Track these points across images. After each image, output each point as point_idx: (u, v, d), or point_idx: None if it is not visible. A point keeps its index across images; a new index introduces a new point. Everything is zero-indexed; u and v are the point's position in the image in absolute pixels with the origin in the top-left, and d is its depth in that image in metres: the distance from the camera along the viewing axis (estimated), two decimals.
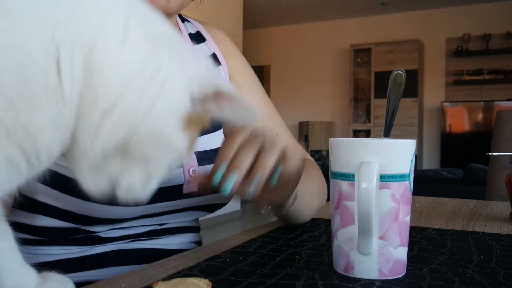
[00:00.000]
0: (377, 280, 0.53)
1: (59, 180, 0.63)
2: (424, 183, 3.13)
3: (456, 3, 6.44)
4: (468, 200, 1.20)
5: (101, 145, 0.37)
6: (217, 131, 0.80)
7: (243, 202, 5.29)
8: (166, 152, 0.40)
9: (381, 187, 0.52)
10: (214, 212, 0.81)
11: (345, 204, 0.54)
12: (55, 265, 0.47)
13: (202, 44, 0.84)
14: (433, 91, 6.79)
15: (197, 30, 0.85)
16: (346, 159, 0.54)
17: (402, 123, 6.58)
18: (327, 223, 0.86)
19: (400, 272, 0.55)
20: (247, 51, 6.63)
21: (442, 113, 6.59)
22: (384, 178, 0.52)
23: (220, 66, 0.83)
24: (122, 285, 0.53)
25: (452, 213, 1.01)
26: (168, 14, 0.71)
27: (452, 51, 6.63)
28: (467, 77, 6.56)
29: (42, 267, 0.46)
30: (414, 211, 1.03)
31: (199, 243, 0.84)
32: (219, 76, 0.41)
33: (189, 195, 0.74)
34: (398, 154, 0.54)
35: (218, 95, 0.41)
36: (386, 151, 0.53)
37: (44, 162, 0.36)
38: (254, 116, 0.43)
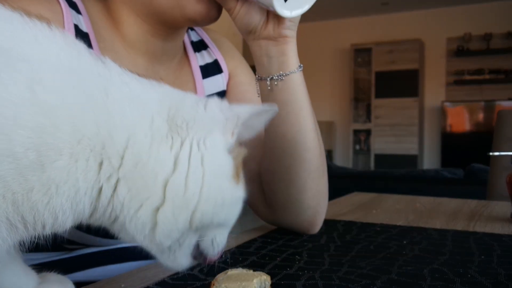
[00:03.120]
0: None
1: None
2: (424, 183, 3.13)
3: (457, 2, 6.43)
4: (469, 200, 1.20)
5: (161, 235, 0.40)
6: None
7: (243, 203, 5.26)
8: (234, 207, 0.43)
9: None
10: None
11: None
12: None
13: (203, 51, 0.85)
14: (434, 90, 6.78)
15: (200, 38, 0.86)
16: None
17: (402, 123, 6.57)
18: (327, 223, 0.86)
19: None
20: (248, 51, 6.59)
21: (442, 113, 6.59)
22: None
23: (222, 73, 0.84)
24: (122, 285, 0.53)
25: (453, 214, 1.01)
26: (210, 23, 0.71)
27: (452, 51, 6.62)
28: (467, 77, 6.55)
29: (40, 268, 0.46)
30: (414, 211, 1.03)
31: None
32: (233, 108, 0.44)
33: None
34: None
35: (243, 123, 0.43)
36: None
37: (48, 230, 0.38)
38: (273, 108, 0.45)
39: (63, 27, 0.63)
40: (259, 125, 0.45)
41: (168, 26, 0.71)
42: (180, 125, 0.40)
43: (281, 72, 0.67)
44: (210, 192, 0.40)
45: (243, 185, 0.44)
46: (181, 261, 0.43)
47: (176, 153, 0.40)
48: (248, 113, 0.43)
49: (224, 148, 0.42)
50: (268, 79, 0.68)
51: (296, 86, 0.69)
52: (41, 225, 0.37)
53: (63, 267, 0.68)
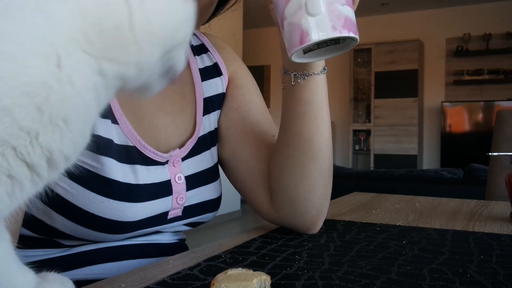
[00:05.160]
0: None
1: (55, 199, 0.64)
2: (424, 183, 3.13)
3: (456, 3, 6.44)
4: (468, 200, 1.20)
5: (146, 74, 0.39)
6: (207, 150, 0.81)
7: (243, 202, 5.28)
8: (188, 24, 0.41)
9: None
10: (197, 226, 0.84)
11: None
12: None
13: (203, 55, 0.86)
14: (433, 91, 6.79)
15: (201, 42, 0.87)
16: None
17: (402, 123, 6.58)
18: (327, 223, 0.86)
19: (353, 30, 0.55)
20: (247, 51, 6.62)
21: (442, 113, 6.59)
22: None
23: (221, 76, 0.84)
24: (122, 285, 0.53)
25: (452, 213, 1.01)
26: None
27: (452, 51, 6.62)
28: (467, 77, 6.56)
29: (40, 267, 0.45)
30: (414, 211, 1.03)
31: (183, 240, 0.87)
32: None
33: (173, 220, 0.77)
34: None
35: None
36: None
37: (75, 155, 0.36)
38: None
39: None
40: None
41: None
42: None
43: (305, 71, 0.69)
44: (167, 17, 0.38)
45: (190, 3, 0.42)
46: (157, 86, 0.43)
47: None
48: None
49: None
50: (292, 74, 0.70)
51: (318, 87, 0.70)
52: (63, 159, 0.34)
53: (62, 265, 0.68)
